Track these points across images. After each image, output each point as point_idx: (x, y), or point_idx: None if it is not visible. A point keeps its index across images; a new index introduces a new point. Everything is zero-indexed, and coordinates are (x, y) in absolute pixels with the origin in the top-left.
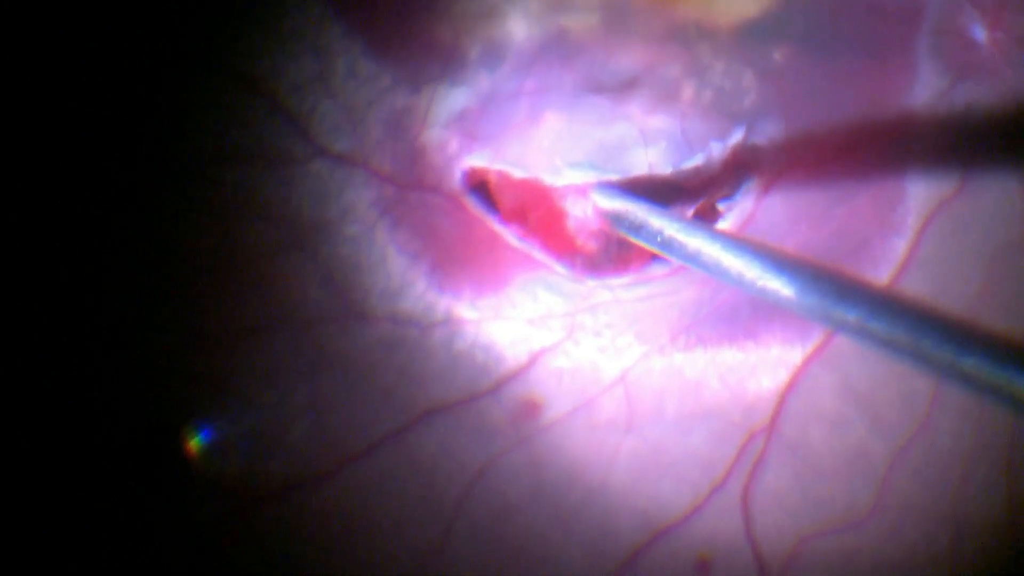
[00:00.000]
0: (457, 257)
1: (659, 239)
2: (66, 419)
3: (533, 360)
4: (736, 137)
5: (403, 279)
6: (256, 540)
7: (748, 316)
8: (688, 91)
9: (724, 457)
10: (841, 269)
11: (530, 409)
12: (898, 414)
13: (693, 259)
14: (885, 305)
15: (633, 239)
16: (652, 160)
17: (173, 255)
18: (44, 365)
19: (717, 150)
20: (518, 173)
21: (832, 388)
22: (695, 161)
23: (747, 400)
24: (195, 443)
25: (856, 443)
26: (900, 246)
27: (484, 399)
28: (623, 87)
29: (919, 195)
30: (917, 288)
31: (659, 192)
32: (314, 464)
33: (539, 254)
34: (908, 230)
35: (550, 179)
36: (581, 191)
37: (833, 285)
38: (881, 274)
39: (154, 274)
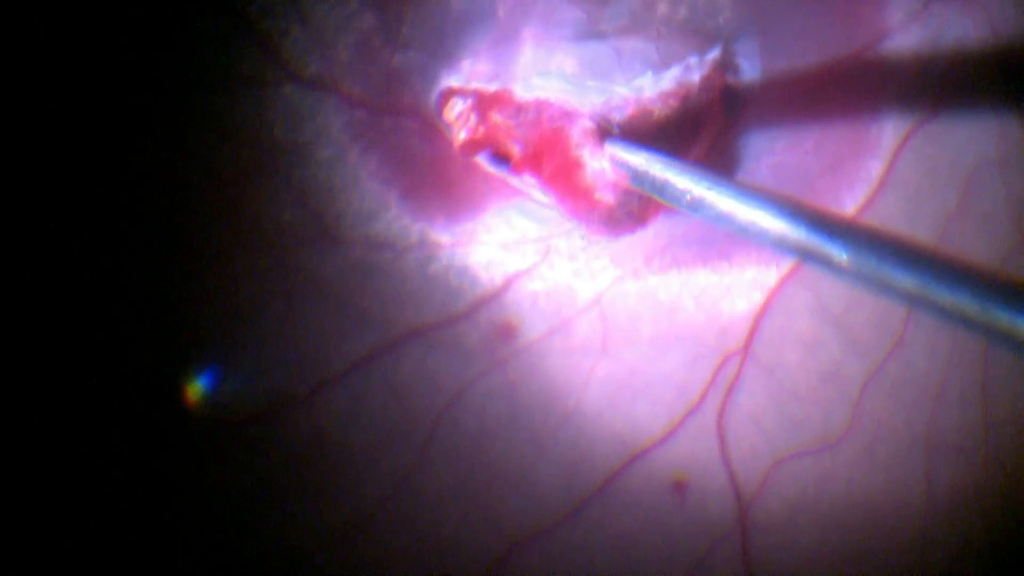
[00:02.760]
0: (432, 181)
1: (687, 199)
2: (35, 342)
3: (508, 283)
4: (712, 54)
5: (377, 203)
6: (232, 464)
7: (723, 238)
8: (663, 7)
9: (699, 380)
10: (893, 233)
11: (505, 332)
12: (873, 334)
13: (726, 221)
14: (951, 274)
15: (657, 198)
16: (628, 75)
17: (145, 179)
18: (15, 282)
19: (694, 65)
20: (491, 88)
21: (807, 309)
22: (673, 73)
23: (721, 322)
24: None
25: (831, 364)
26: (876, 167)
27: (459, 322)
28: (598, 2)
29: (894, 116)
30: (893, 208)
31: (656, 131)
32: (289, 387)
33: (556, 207)
34: (884, 151)
35: (522, 92)
36: (593, 139)
37: (891, 249)
38: (857, 194)
39: (125, 198)
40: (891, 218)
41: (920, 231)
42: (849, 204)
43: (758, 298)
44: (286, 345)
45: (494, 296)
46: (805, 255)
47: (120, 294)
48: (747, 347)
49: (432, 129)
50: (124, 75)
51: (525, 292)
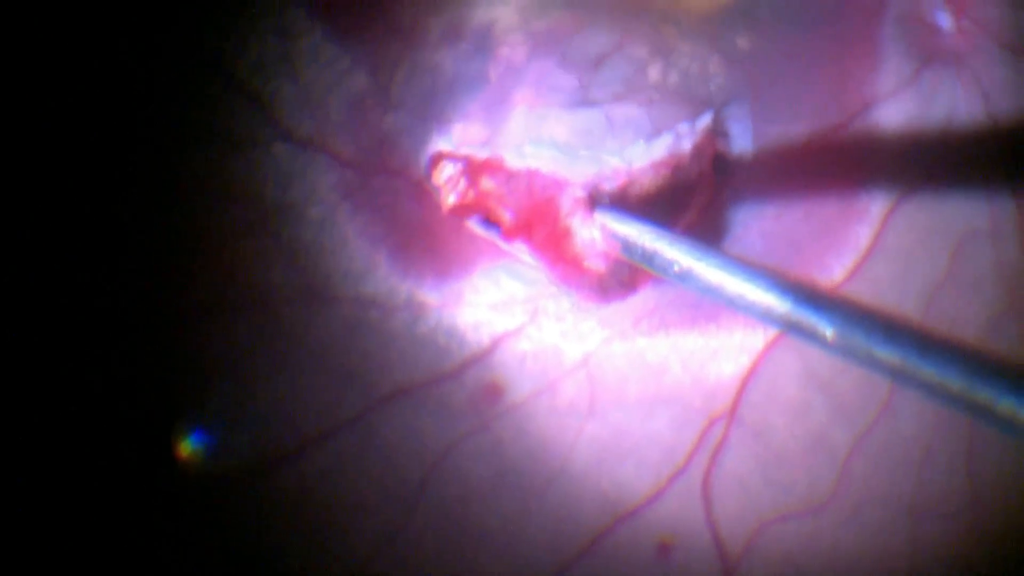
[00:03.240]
0: (420, 241)
1: (676, 269)
2: (27, 401)
3: (496, 344)
4: (704, 121)
5: (366, 262)
6: (218, 521)
7: (711, 302)
8: (654, 73)
9: (685, 442)
10: (879, 308)
11: (492, 392)
12: (859, 400)
13: (714, 292)
14: (935, 350)
15: (646, 267)
16: (620, 143)
17: (138, 237)
18: (9, 348)
19: (685, 132)
20: (482, 154)
21: (794, 373)
22: (664, 141)
23: (709, 385)
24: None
25: (817, 429)
26: (865, 233)
27: (447, 382)
28: (590, 68)
29: (884, 183)
30: (882, 274)
31: (647, 200)
32: (277, 445)
33: (546, 274)
34: (873, 217)
35: (514, 160)
36: (584, 208)
37: (876, 325)
38: (846, 260)
39: (118, 256)
40: (880, 284)
41: (909, 297)
42: (838, 270)
43: (745, 362)
44: (275, 402)
45: (482, 356)
46: (791, 328)
47: (110, 351)
48: (734, 410)
49: (421, 190)
50: (117, 135)
51: (513, 352)
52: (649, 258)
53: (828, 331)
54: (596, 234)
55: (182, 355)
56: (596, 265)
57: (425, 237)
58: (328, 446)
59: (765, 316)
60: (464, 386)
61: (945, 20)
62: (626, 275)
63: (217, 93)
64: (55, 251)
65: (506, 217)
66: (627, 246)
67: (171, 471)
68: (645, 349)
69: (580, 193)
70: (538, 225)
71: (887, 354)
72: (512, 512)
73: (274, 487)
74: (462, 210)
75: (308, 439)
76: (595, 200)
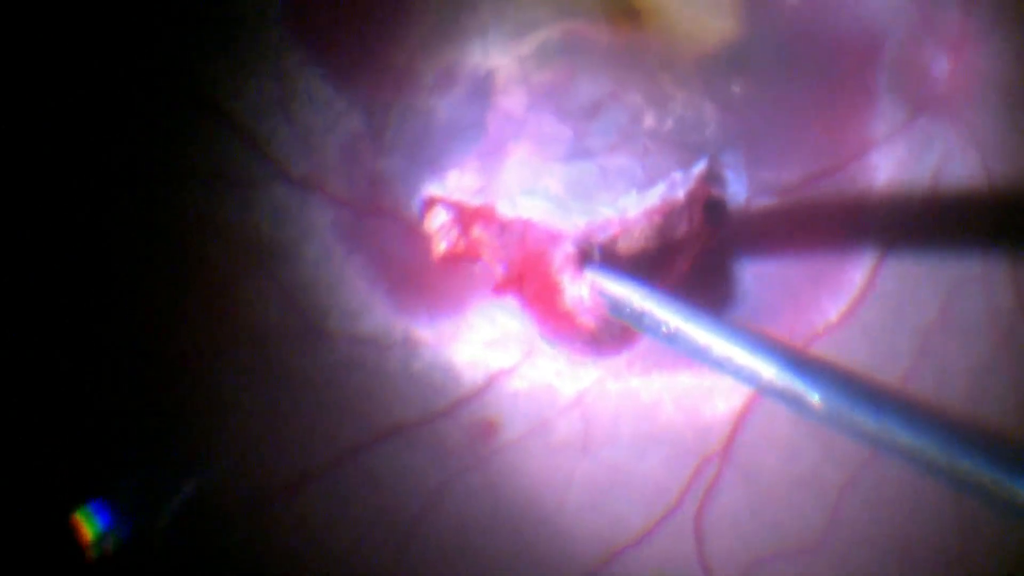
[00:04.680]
0: (415, 281)
1: (664, 330)
2: (21, 436)
3: (490, 382)
4: (698, 168)
5: (361, 301)
6: (213, 557)
7: None
8: (649, 121)
9: (678, 480)
10: (868, 376)
11: (487, 430)
12: (850, 442)
13: (701, 354)
14: (922, 422)
15: (635, 327)
16: (613, 194)
17: (133, 278)
18: None
19: (679, 180)
20: (474, 202)
21: (785, 414)
22: (658, 191)
23: (701, 424)
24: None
25: (808, 470)
26: (858, 277)
27: (441, 420)
28: (585, 118)
29: (877, 228)
30: (874, 318)
31: (640, 249)
32: (272, 482)
33: (536, 329)
34: (865, 261)
35: (506, 210)
36: (573, 265)
37: (863, 392)
38: (840, 303)
39: (113, 298)
40: (872, 328)
41: (901, 341)
42: (832, 313)
43: (738, 402)
44: (269, 439)
45: (476, 394)
46: (777, 394)
47: (103, 392)
48: (726, 450)
49: (415, 231)
50: (113, 175)
51: (507, 391)
52: (638, 318)
53: (815, 398)
54: (585, 292)
55: (180, 397)
56: (587, 321)
57: (419, 276)
58: (323, 483)
59: (752, 381)
60: (459, 424)
61: (941, 68)
62: (618, 330)
63: (214, 134)
64: (44, 291)
65: (498, 270)
66: (615, 305)
67: (163, 510)
68: (639, 388)
69: (571, 249)
70: (530, 279)
71: (875, 425)
72: (506, 549)
73: (270, 523)
74: (453, 258)
75: (304, 476)
76: (585, 257)
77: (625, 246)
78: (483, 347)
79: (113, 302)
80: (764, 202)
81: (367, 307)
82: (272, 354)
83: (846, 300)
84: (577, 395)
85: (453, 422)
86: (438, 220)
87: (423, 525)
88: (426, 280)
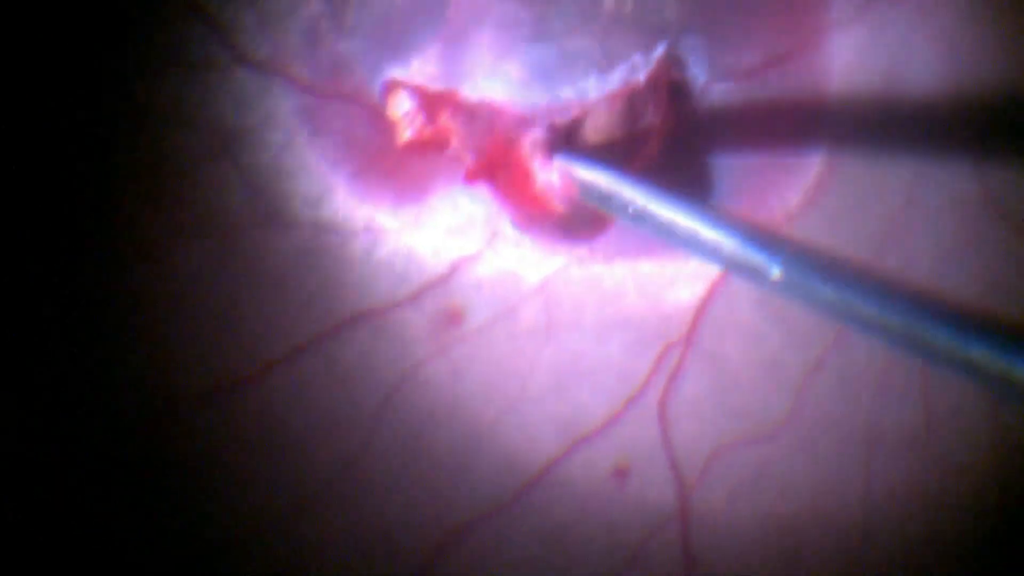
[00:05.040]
0: (378, 166)
1: (631, 211)
2: None
3: (454, 269)
4: (658, 51)
5: (324, 187)
6: (172, 446)
7: None
8: (609, 2)
9: (641, 367)
10: (826, 249)
11: (450, 318)
12: (814, 327)
13: (666, 232)
14: (882, 291)
15: (604, 209)
16: (574, 76)
17: (95, 164)
18: None
19: (640, 63)
20: (435, 86)
21: (748, 300)
22: (619, 74)
23: (665, 311)
24: None
25: (772, 355)
26: (819, 162)
27: (404, 307)
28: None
29: (837, 112)
30: (836, 204)
31: (605, 133)
32: (233, 370)
33: (508, 217)
34: (827, 146)
35: (466, 92)
36: (543, 151)
37: (821, 264)
38: (801, 189)
39: (75, 183)
40: (834, 215)
41: (864, 228)
42: (793, 198)
43: (700, 289)
44: (231, 327)
45: (439, 282)
46: (739, 267)
47: (69, 278)
48: (689, 336)
49: (377, 116)
50: (74, 60)
51: (471, 278)
52: (606, 200)
53: (775, 271)
54: (555, 177)
55: (142, 281)
56: (558, 206)
57: (382, 161)
58: (286, 371)
59: (716, 256)
60: (422, 311)
61: None
62: (589, 215)
63: (175, 17)
64: (10, 181)
65: (468, 159)
66: (585, 188)
67: (126, 396)
68: (602, 275)
69: (539, 135)
70: (500, 166)
71: (833, 294)
72: (470, 437)
73: (232, 411)
74: (418, 146)
75: (266, 363)
76: (554, 144)
77: (592, 132)
78: (447, 233)
79: (68, 187)
80: (723, 86)
81: (329, 193)
82: (233, 240)
83: (806, 188)
84: (541, 282)
85: (417, 310)
86: (402, 107)
87: (387, 413)
88: (389, 166)
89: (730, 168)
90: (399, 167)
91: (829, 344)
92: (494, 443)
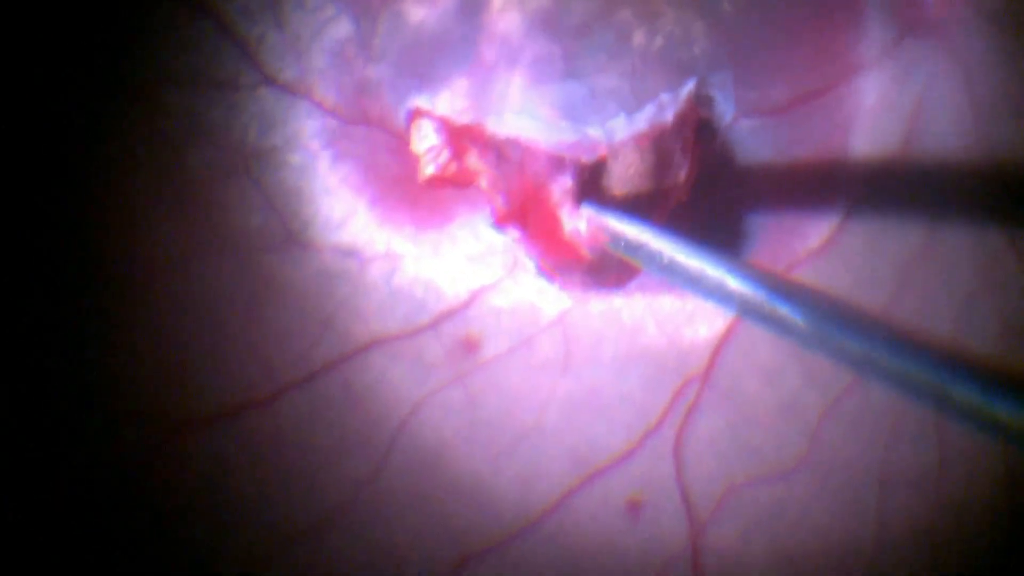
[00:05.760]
0: (399, 193)
1: (658, 261)
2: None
3: (473, 297)
4: (686, 89)
5: (345, 211)
6: (190, 466)
7: None
8: (639, 38)
9: (658, 402)
10: (853, 303)
11: (468, 346)
12: (831, 367)
13: (693, 283)
14: (905, 345)
15: (631, 259)
16: (602, 116)
17: (119, 178)
18: None
19: (668, 102)
20: (460, 119)
21: (767, 339)
22: (646, 114)
23: (683, 347)
24: None
25: (789, 395)
26: (842, 203)
27: (423, 334)
28: (575, 35)
29: (862, 151)
30: (856, 245)
31: (632, 176)
32: (251, 391)
33: (538, 262)
34: (850, 187)
35: (493, 127)
36: (572, 199)
37: (845, 315)
38: (822, 230)
39: (98, 197)
40: (854, 255)
41: (883, 269)
42: (814, 239)
43: (720, 326)
44: (250, 348)
45: (458, 310)
46: (764, 319)
47: (86, 295)
48: (707, 373)
49: (401, 142)
50: (101, 75)
51: (489, 307)
52: (634, 250)
53: (800, 323)
54: (582, 225)
55: (161, 299)
56: (586, 253)
57: (404, 187)
58: (303, 392)
59: (741, 308)
60: (440, 339)
61: None
62: (616, 263)
63: (204, 37)
64: (32, 192)
65: (498, 201)
66: (613, 238)
67: (144, 416)
68: (621, 309)
69: (569, 183)
70: (531, 212)
71: (856, 347)
72: (484, 465)
73: (249, 431)
74: (440, 182)
75: (283, 385)
76: (583, 192)
77: (620, 181)
78: (467, 262)
79: (85, 199)
80: (751, 123)
81: (350, 217)
82: (253, 260)
83: (828, 228)
84: (559, 314)
85: (434, 337)
86: (427, 141)
87: (401, 438)
88: (411, 192)
89: (760, 202)
90: (421, 194)
91: (846, 385)
92: (508, 473)
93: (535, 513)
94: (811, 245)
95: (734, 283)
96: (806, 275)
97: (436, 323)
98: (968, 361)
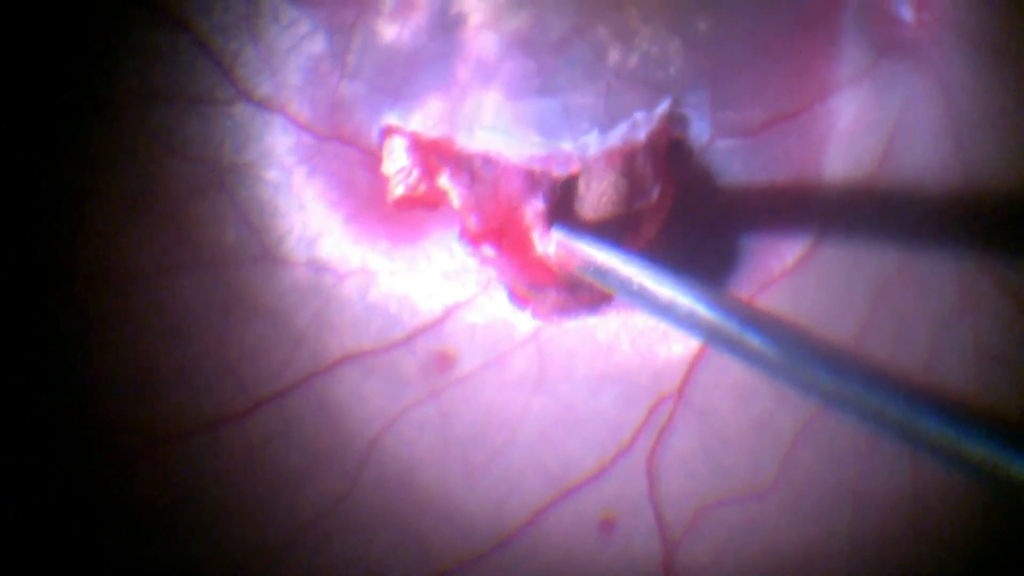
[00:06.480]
0: (375, 208)
1: (627, 288)
2: None
3: (447, 313)
4: (661, 108)
5: (320, 227)
6: (162, 480)
7: None
8: (614, 56)
9: (632, 420)
10: (820, 334)
11: (442, 362)
12: None
13: (662, 311)
14: (869, 375)
15: (600, 284)
16: (575, 132)
17: (92, 193)
18: None
19: (641, 121)
20: (432, 134)
21: None
22: (620, 131)
23: (657, 365)
24: None
25: (762, 414)
26: (816, 222)
27: (397, 349)
28: (551, 51)
29: (838, 170)
30: (828, 265)
31: (602, 187)
32: (225, 405)
33: (509, 284)
34: (825, 206)
35: (463, 142)
36: (543, 222)
37: (815, 348)
38: (795, 249)
39: (72, 212)
40: (828, 275)
41: (857, 289)
42: (788, 257)
43: (694, 344)
44: (224, 362)
45: (432, 326)
46: (736, 351)
47: (60, 308)
48: (681, 391)
49: (375, 159)
50: (75, 89)
51: (464, 323)
52: (604, 275)
53: (770, 353)
54: (552, 249)
55: (134, 314)
56: (562, 278)
57: (379, 204)
58: (276, 408)
59: (712, 338)
60: (414, 355)
61: (906, 11)
62: (587, 287)
63: (180, 52)
64: (3, 209)
65: (470, 221)
66: (584, 263)
67: (116, 431)
68: (596, 327)
69: (540, 206)
70: (504, 232)
71: (825, 380)
72: (456, 482)
73: (222, 447)
74: (409, 203)
75: (257, 399)
76: (554, 215)
77: (592, 209)
78: (441, 278)
79: (70, 216)
80: (727, 143)
81: (325, 233)
82: (227, 275)
83: (802, 247)
84: (534, 331)
85: (408, 352)
86: (397, 163)
87: (375, 454)
88: (385, 208)
89: (732, 220)
90: (396, 211)
91: (819, 406)
92: (481, 490)
93: (509, 530)
94: (786, 264)
95: (705, 312)
96: (781, 294)
97: (410, 339)
98: (937, 397)
